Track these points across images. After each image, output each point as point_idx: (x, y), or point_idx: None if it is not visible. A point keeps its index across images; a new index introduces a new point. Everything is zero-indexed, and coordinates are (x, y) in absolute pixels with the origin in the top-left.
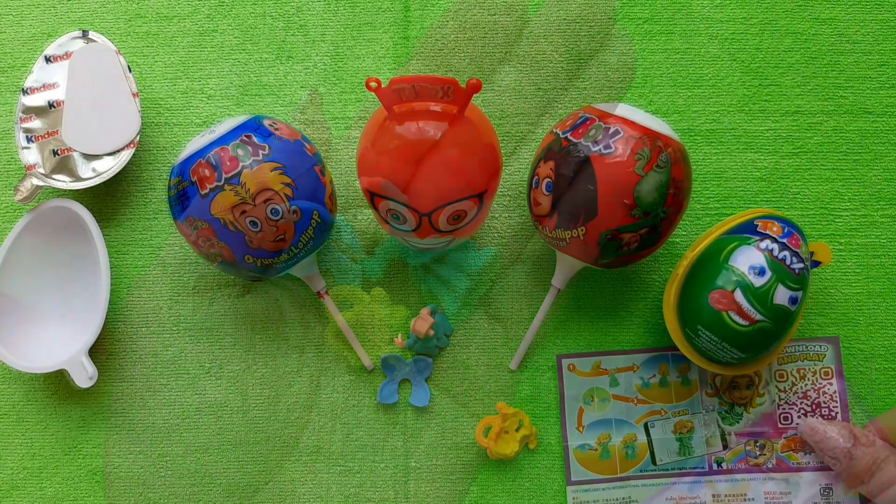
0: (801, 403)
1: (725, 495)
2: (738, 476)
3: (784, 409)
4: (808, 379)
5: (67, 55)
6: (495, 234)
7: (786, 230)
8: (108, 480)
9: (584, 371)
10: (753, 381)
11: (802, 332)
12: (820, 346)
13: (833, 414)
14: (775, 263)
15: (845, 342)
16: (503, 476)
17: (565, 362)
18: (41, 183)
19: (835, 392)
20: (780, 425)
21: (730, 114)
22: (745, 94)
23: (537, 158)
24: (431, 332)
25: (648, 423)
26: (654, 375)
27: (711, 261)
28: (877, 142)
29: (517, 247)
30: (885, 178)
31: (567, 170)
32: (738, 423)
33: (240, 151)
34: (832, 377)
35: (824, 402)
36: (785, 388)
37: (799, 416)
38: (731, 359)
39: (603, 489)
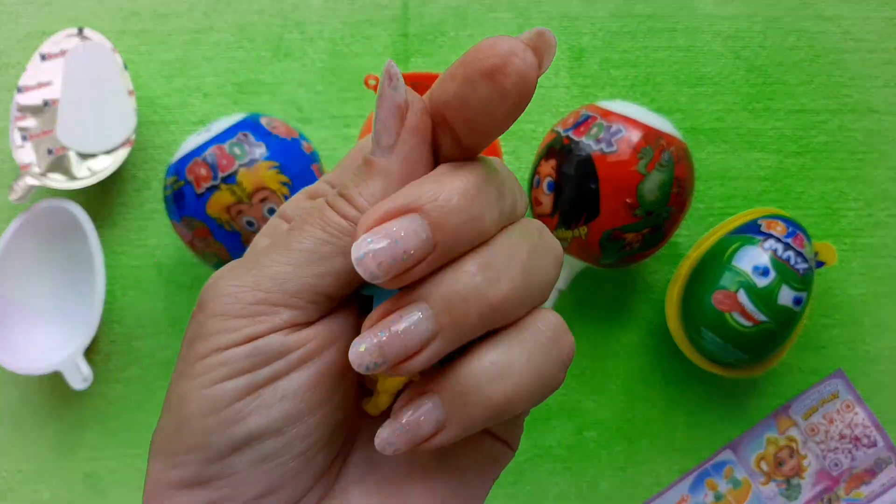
0: (842, 445)
1: None
2: None
3: (830, 457)
4: (836, 421)
5: (63, 53)
6: None
7: (790, 230)
8: (103, 483)
9: None
10: (793, 449)
11: (807, 340)
12: (830, 386)
13: (872, 439)
14: (779, 264)
15: (850, 344)
16: (503, 479)
17: None
18: (36, 182)
19: (863, 419)
20: (834, 474)
21: (733, 112)
22: (748, 92)
23: (538, 157)
24: None
25: None
26: (707, 495)
27: (714, 261)
28: (882, 141)
29: None
30: (890, 177)
31: (568, 169)
32: (800, 494)
33: (236, 150)
34: (854, 407)
35: (860, 433)
36: (821, 439)
37: (846, 457)
38: (734, 360)
39: None
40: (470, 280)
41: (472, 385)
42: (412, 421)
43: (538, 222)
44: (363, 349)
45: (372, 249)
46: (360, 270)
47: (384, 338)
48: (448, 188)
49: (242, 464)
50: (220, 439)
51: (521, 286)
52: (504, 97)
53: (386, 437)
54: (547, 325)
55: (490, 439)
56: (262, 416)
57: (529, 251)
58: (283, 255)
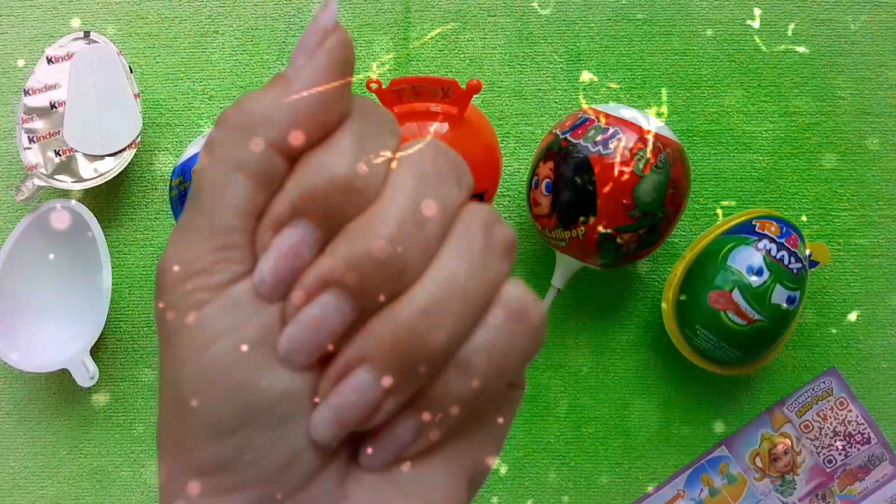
0: (835, 441)
1: None
2: None
3: (824, 454)
4: (830, 418)
5: (69, 56)
6: None
7: (784, 230)
8: (109, 480)
9: None
10: (787, 444)
11: (801, 337)
12: (824, 383)
13: (866, 436)
14: (773, 263)
15: (843, 342)
16: (503, 475)
17: None
18: (43, 183)
19: (857, 416)
20: (828, 470)
21: (728, 114)
22: (743, 94)
23: (537, 159)
24: None
25: None
26: (702, 490)
27: (710, 261)
28: (875, 142)
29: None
30: (882, 178)
31: (566, 170)
32: (795, 489)
33: None
34: (848, 405)
35: (853, 430)
36: (815, 435)
37: (839, 453)
38: (729, 358)
39: None
40: (408, 332)
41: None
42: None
43: (484, 210)
44: (322, 428)
45: (287, 335)
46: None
47: (339, 412)
48: (369, 229)
49: (257, 435)
50: (226, 413)
51: (464, 316)
52: None
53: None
54: (477, 225)
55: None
56: (265, 376)
57: (468, 271)
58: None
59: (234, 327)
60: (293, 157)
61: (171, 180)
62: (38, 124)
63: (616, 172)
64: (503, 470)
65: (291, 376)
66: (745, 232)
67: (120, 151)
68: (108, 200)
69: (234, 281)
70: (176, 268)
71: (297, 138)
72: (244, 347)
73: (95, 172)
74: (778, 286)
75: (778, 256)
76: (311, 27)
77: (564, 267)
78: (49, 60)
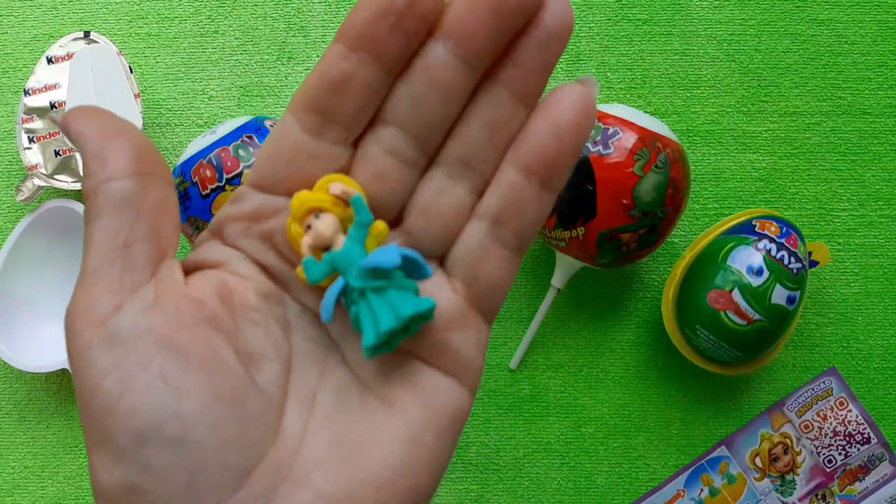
0: (836, 442)
1: None
2: None
3: (824, 454)
4: (830, 418)
5: (69, 56)
6: None
7: (784, 230)
8: None
9: None
10: (787, 444)
11: (800, 338)
12: (824, 383)
13: (866, 436)
14: (773, 263)
15: (843, 342)
16: (503, 475)
17: None
18: (43, 183)
19: (857, 416)
20: (828, 470)
21: (728, 114)
22: (743, 94)
23: None
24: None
25: None
26: (702, 490)
27: (709, 261)
28: (875, 142)
29: None
30: (883, 178)
31: None
32: (794, 489)
33: (241, 152)
34: (848, 404)
35: (853, 430)
36: (815, 435)
37: (839, 453)
38: (729, 358)
39: None
40: None
41: None
42: None
43: None
44: None
45: None
46: None
47: None
48: None
49: (156, 456)
50: (123, 437)
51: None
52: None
53: None
54: None
55: (434, 375)
56: (154, 400)
57: None
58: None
59: (116, 364)
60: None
61: None
62: (39, 124)
63: (616, 173)
64: (503, 470)
65: (178, 401)
66: (744, 232)
67: None
68: None
69: (113, 314)
70: (71, 311)
71: None
72: (129, 378)
73: None
74: (778, 286)
75: (778, 256)
76: None
77: (564, 267)
78: (49, 60)
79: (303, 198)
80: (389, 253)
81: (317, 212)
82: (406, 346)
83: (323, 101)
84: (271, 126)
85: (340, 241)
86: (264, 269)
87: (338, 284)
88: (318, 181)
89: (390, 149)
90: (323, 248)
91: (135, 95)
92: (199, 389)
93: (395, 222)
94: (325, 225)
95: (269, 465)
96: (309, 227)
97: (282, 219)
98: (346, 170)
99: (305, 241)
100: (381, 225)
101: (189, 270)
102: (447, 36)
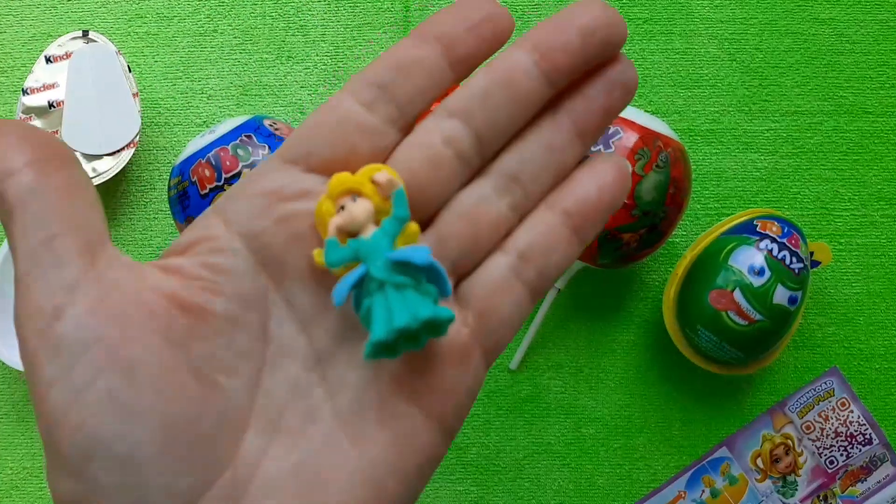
0: (837, 442)
1: None
2: None
3: (826, 454)
4: (832, 418)
5: (68, 55)
6: None
7: (785, 230)
8: None
9: None
10: (788, 445)
11: (802, 339)
12: (825, 384)
13: (868, 436)
14: (774, 263)
15: (845, 342)
16: (503, 476)
17: None
18: None
19: (858, 416)
20: (829, 471)
21: (729, 114)
22: (744, 94)
23: None
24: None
25: None
26: (703, 491)
27: (711, 261)
28: (876, 142)
29: None
30: (884, 178)
31: None
32: (796, 490)
33: (240, 152)
34: (849, 405)
35: (855, 431)
36: (817, 436)
37: (841, 454)
38: (730, 358)
39: None
40: None
41: None
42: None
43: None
44: None
45: None
46: None
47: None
48: None
49: (102, 474)
50: (70, 452)
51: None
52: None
53: None
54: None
55: (414, 415)
56: (97, 417)
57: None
58: None
59: (62, 374)
60: None
61: (169, 180)
62: (37, 124)
63: None
64: (503, 471)
65: (125, 422)
66: (746, 232)
67: (118, 151)
68: (106, 200)
69: (54, 317)
70: (15, 318)
71: None
72: (76, 392)
73: (94, 172)
74: (779, 286)
75: (779, 256)
76: None
77: None
78: (47, 60)
79: (343, 177)
80: (421, 251)
81: (355, 194)
82: (395, 373)
83: (384, 76)
84: (270, 125)
85: (370, 231)
86: (259, 259)
87: (357, 272)
88: (362, 168)
89: (449, 139)
90: (350, 233)
91: (133, 95)
92: (150, 410)
93: (424, 224)
94: (361, 209)
95: (219, 493)
96: (342, 208)
97: (308, 202)
98: (389, 154)
99: (335, 221)
100: (414, 226)
101: (173, 253)
102: (533, 47)
